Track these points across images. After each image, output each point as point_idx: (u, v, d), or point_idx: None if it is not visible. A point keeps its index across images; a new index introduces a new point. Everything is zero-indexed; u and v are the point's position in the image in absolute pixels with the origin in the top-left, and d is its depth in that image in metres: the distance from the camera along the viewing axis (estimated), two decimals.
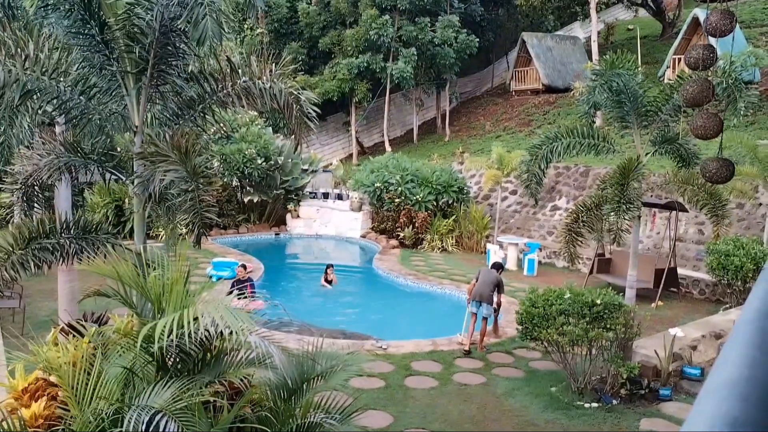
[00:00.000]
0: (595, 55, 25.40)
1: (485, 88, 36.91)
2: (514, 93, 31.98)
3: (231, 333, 4.18)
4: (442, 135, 31.39)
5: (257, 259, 17.74)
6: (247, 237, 21.34)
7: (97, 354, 4.98)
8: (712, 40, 20.75)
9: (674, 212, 14.20)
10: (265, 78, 6.52)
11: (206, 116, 6.76)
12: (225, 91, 6.42)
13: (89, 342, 5.32)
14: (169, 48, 6.29)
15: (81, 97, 6.24)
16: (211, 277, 15.11)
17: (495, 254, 17.78)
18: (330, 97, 30.15)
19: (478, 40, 30.72)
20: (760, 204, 15.28)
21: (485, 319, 11.21)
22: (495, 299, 11.20)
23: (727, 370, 0.56)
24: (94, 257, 6.25)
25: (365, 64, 29.14)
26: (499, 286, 11.34)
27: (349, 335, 11.95)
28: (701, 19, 22.98)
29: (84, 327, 5.68)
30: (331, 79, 30.17)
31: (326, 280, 15.75)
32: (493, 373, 10.13)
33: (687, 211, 14.31)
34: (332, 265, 16.08)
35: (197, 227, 5.91)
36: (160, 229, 17.14)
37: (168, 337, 4.18)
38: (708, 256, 13.35)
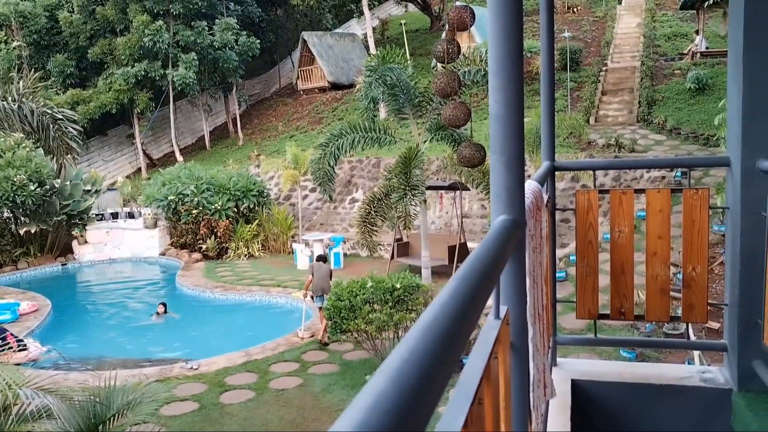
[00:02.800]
0: (373, 51, 26.46)
1: (273, 89, 36.78)
2: (302, 92, 32.24)
3: None
4: (236, 139, 30.75)
5: (43, 296, 16.03)
6: (29, 272, 19.17)
7: None
8: (474, 30, 22.53)
9: (458, 192, 15.30)
10: (11, 98, 5.82)
11: None
12: None
13: None
14: None
15: None
16: None
17: (301, 253, 17.87)
18: (108, 110, 28.10)
19: (259, 41, 30.47)
20: (529, 176, 17.03)
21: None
22: None
23: (380, 371, 0.58)
24: None
25: (143, 73, 27.54)
26: (330, 276, 11.88)
27: (155, 362, 11.28)
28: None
29: None
30: (106, 91, 28.09)
31: (158, 314, 14.38)
32: (309, 372, 10.18)
33: (468, 190, 15.50)
34: (165, 304, 14.62)
35: None
36: None
37: None
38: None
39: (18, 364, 9.05)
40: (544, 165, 3.43)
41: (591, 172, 15.39)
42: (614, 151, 17.83)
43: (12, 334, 11.62)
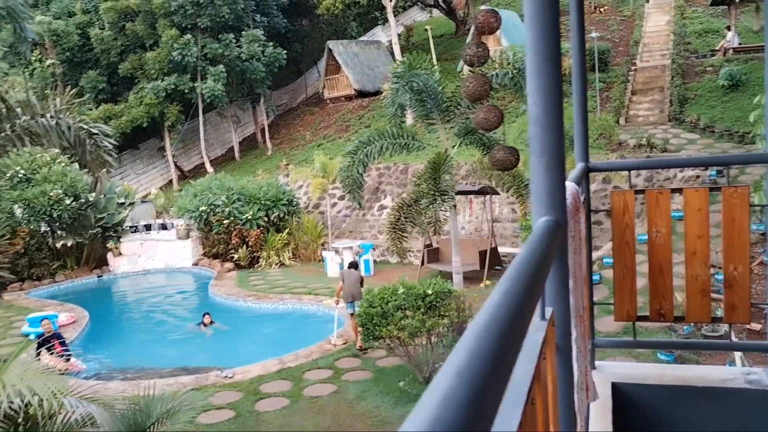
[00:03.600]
0: (398, 57, 26.51)
1: (300, 98, 37.10)
2: (328, 101, 32.46)
3: (42, 400, 3.79)
4: (264, 149, 31.07)
5: (81, 308, 16.35)
6: (66, 284, 19.59)
7: None
8: (500, 33, 22.46)
9: (488, 196, 15.23)
10: (49, 114, 5.98)
11: None
12: (3, 134, 5.81)
13: None
14: None
15: None
16: (28, 335, 13.67)
17: (332, 260, 17.94)
18: (139, 124, 28.63)
19: (285, 52, 30.77)
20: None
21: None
22: None
23: (446, 369, 0.59)
24: None
25: (172, 86, 28.02)
26: (361, 282, 11.85)
27: (191, 371, 11.41)
28: None
29: None
30: (137, 105, 28.63)
31: (204, 324, 14.27)
32: (342, 379, 10.20)
33: (498, 194, 15.42)
34: (209, 314, 14.49)
35: None
36: None
37: None
38: (522, 231, 14.51)
39: (63, 373, 9.34)
40: (578, 166, 3.40)
41: (622, 174, 15.19)
42: (646, 151, 17.58)
43: (63, 343, 11.88)
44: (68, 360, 11.58)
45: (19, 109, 6.01)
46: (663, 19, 26.92)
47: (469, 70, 4.88)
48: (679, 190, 3.62)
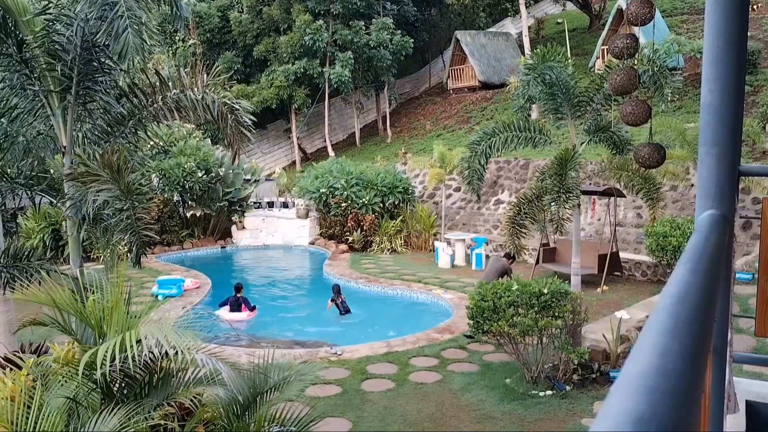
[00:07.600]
0: (527, 50, 25.91)
1: (423, 87, 37.20)
2: (451, 91, 32.33)
3: (176, 353, 4.06)
4: (384, 137, 31.47)
5: (204, 275, 17.38)
6: (192, 252, 20.89)
7: (37, 386, 4.78)
8: (637, 30, 21.45)
9: (612, 198, 14.59)
10: (196, 89, 6.37)
11: (138, 132, 6.57)
12: (156, 105, 6.25)
13: (27, 374, 5.10)
14: (94, 64, 6.08)
15: (2, 120, 5.97)
16: (156, 296, 14.72)
17: (443, 251, 17.94)
18: (269, 105, 29.84)
19: (412, 40, 30.92)
20: (692, 185, 15.87)
21: None
22: None
23: (638, 362, 0.55)
24: (28, 285, 5.99)
25: (302, 70, 28.97)
26: (506, 274, 11.50)
27: (302, 344, 11.83)
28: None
29: (22, 359, 5.44)
30: (268, 87, 29.86)
31: (333, 302, 14.17)
32: (448, 369, 10.19)
33: (624, 197, 14.73)
34: (338, 289, 14.26)
35: (136, 246, 5.72)
36: (102, 251, 16.60)
37: (111, 362, 4.03)
38: (647, 238, 13.79)
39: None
40: None
41: (764, 185, 14.05)
42: None
43: (246, 300, 14.19)
44: (254, 309, 14.12)
45: (170, 83, 6.45)
46: None
47: (616, 64, 4.65)
48: None
